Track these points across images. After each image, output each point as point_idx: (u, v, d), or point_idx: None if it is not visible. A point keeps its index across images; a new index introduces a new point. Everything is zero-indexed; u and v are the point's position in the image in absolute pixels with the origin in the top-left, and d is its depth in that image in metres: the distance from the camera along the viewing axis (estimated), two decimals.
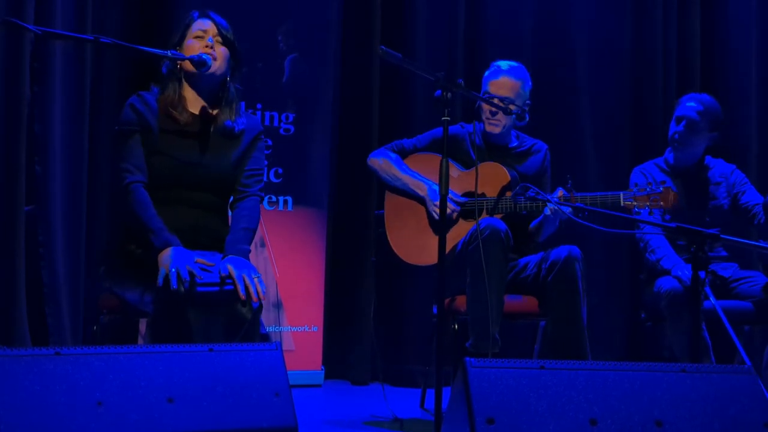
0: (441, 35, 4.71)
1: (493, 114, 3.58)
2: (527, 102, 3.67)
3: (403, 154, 3.67)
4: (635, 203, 3.31)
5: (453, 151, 3.59)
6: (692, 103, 3.88)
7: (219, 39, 2.88)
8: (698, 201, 3.92)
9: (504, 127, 3.63)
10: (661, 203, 3.29)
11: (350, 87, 4.59)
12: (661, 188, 3.30)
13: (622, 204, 3.32)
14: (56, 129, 3.54)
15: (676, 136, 3.87)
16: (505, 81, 3.61)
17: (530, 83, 3.68)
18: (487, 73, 3.67)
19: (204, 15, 2.92)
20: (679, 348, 3.55)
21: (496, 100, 3.52)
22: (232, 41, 2.92)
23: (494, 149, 3.67)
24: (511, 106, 3.53)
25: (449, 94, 2.86)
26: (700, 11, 5.07)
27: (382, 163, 3.64)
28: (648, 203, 3.30)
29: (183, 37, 2.90)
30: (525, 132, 3.80)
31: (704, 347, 3.49)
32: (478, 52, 4.80)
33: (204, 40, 2.86)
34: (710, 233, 2.66)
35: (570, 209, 3.28)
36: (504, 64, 3.66)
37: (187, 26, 2.91)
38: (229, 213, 2.96)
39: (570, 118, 4.88)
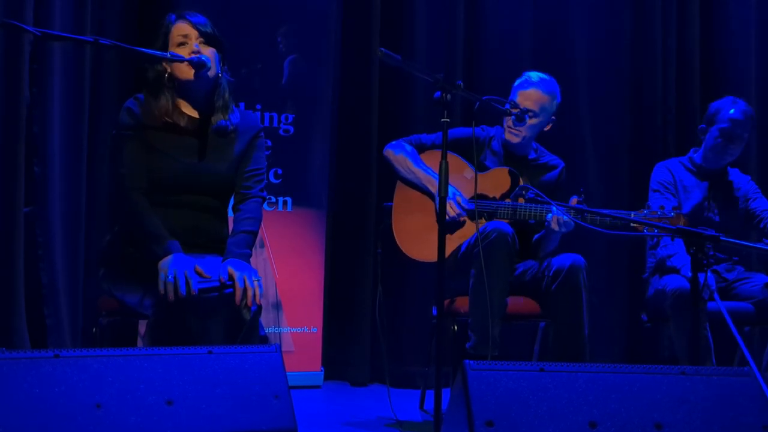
0: (440, 36, 4.71)
1: (514, 124, 3.57)
2: (552, 118, 3.66)
3: (421, 148, 3.66)
4: (645, 225, 3.30)
5: (470, 152, 3.57)
6: (733, 112, 3.85)
7: (202, 40, 2.82)
8: (729, 204, 3.92)
9: (524, 138, 3.63)
10: None
11: (350, 88, 4.59)
12: (673, 213, 3.30)
13: (631, 224, 3.31)
14: (55, 130, 3.54)
15: (719, 141, 3.84)
16: (533, 93, 3.60)
17: (560, 98, 3.67)
18: (517, 82, 3.66)
19: (181, 17, 2.85)
20: (681, 348, 3.55)
21: (513, 108, 3.50)
22: (215, 36, 2.85)
23: (512, 158, 3.68)
24: (513, 109, 3.52)
25: (449, 96, 2.86)
26: (699, 11, 5.07)
27: (398, 155, 3.63)
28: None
29: (166, 44, 2.82)
30: (539, 142, 3.80)
31: (706, 348, 3.49)
32: (477, 53, 4.80)
33: (189, 47, 2.80)
34: (710, 235, 2.66)
35: (573, 216, 3.27)
36: (535, 75, 3.65)
37: (167, 32, 2.84)
38: (230, 214, 2.96)
39: (569, 118, 4.86)
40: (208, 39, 2.84)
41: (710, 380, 2.21)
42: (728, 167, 3.98)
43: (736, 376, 2.24)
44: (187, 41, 2.82)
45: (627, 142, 4.97)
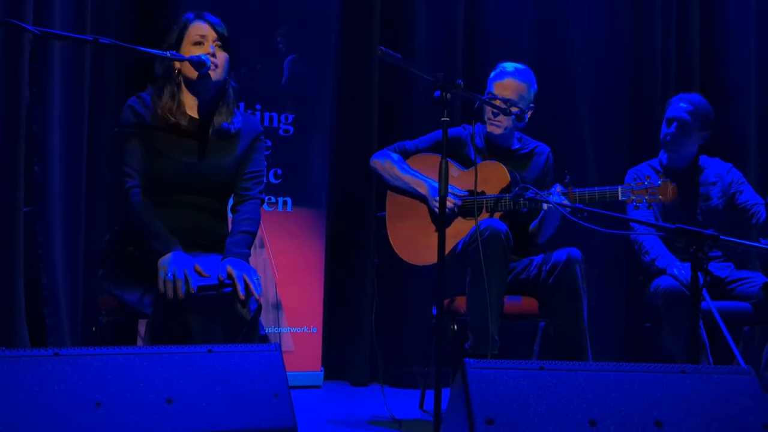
0: (440, 36, 4.71)
1: (495, 115, 3.58)
2: (531, 105, 3.66)
3: (405, 155, 3.67)
4: (633, 197, 3.30)
5: (454, 151, 3.61)
6: (682, 104, 3.88)
7: (219, 44, 2.84)
8: (689, 202, 3.91)
9: (506, 128, 3.63)
10: (660, 197, 3.28)
11: (350, 88, 4.59)
12: (660, 182, 3.30)
13: (620, 198, 3.31)
14: (55, 130, 3.54)
15: (668, 137, 3.87)
16: (509, 83, 3.61)
17: (535, 86, 3.68)
18: (492, 74, 3.67)
19: (199, 17, 2.87)
20: (677, 347, 3.55)
21: (498, 102, 3.51)
22: (229, 40, 2.87)
23: (496, 151, 3.67)
24: (513, 108, 3.52)
25: (448, 95, 2.86)
26: (699, 11, 5.07)
27: (384, 163, 3.64)
28: (646, 197, 3.29)
29: (180, 41, 2.85)
30: (525, 133, 3.80)
31: (701, 346, 3.49)
32: (477, 52, 4.81)
33: (205, 47, 2.81)
34: (710, 234, 2.66)
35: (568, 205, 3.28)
36: (509, 65, 3.65)
37: (184, 29, 2.85)
38: (230, 215, 2.96)
39: (569, 117, 4.88)
40: (224, 42, 2.86)
41: (710, 378, 2.21)
42: (704, 159, 3.96)
43: (736, 374, 2.24)
44: (204, 41, 2.83)
45: (627, 141, 4.97)
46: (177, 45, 2.84)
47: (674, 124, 3.85)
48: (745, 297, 3.73)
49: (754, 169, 4.85)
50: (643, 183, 3.31)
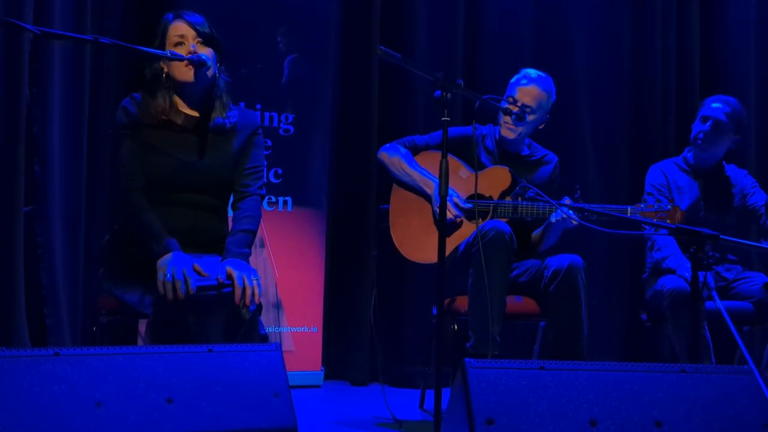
0: (441, 36, 4.71)
1: (516, 123, 3.58)
2: (546, 116, 3.67)
3: (415, 150, 3.66)
4: (646, 225, 3.31)
5: (465, 152, 3.59)
6: (719, 104, 3.87)
7: (199, 40, 2.81)
8: (723, 202, 3.91)
9: (519, 134, 3.63)
10: (668, 221, 3.29)
11: (350, 87, 4.59)
12: (669, 206, 3.31)
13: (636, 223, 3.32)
14: (55, 130, 3.54)
15: (701, 135, 3.85)
16: (532, 89, 3.61)
17: (555, 96, 3.68)
18: (514, 79, 3.67)
19: (178, 17, 2.83)
20: (680, 347, 3.56)
21: (514, 107, 3.51)
22: (212, 35, 2.84)
23: (506, 156, 3.68)
24: (512, 107, 3.52)
25: (449, 95, 2.86)
26: (699, 12, 5.07)
27: (393, 157, 3.63)
28: (655, 219, 3.30)
29: (163, 43, 2.82)
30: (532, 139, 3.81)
31: (705, 347, 3.49)
32: (477, 52, 4.80)
33: (186, 47, 2.79)
34: (709, 234, 2.66)
35: (576, 215, 3.28)
36: (533, 72, 3.66)
37: (164, 31, 2.82)
38: (230, 212, 2.95)
39: (569, 118, 4.87)
40: (205, 39, 2.83)
41: (710, 378, 2.21)
42: (724, 164, 3.97)
43: (736, 374, 2.24)
44: (184, 41, 2.81)
45: (627, 142, 4.97)
46: (161, 47, 2.81)
47: (709, 122, 3.84)
48: (745, 296, 3.73)
49: (755, 169, 4.85)
50: (653, 206, 3.31)
